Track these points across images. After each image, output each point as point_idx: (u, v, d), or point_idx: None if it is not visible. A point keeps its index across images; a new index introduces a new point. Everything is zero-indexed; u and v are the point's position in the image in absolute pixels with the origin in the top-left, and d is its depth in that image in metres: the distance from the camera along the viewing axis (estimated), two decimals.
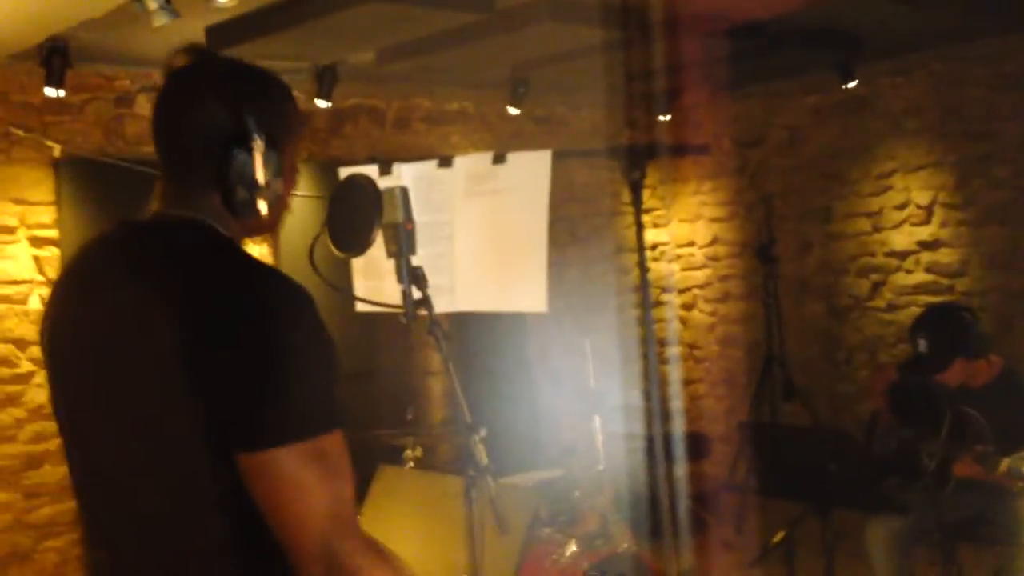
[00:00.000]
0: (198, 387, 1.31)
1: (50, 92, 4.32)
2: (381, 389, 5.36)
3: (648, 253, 6.97)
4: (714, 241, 6.63)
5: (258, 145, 1.44)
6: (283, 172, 1.51)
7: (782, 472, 3.39)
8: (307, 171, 5.14)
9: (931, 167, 5.52)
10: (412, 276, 1.94)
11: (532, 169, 2.11)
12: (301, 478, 1.31)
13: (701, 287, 6.72)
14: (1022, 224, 5.17)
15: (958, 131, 5.39)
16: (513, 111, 5.46)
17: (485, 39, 4.25)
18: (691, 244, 6.78)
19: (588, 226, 6.53)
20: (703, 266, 6.70)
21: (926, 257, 5.58)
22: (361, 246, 1.81)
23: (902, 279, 5.71)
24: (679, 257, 6.85)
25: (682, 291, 6.83)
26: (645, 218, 7.02)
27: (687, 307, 6.82)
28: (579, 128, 6.44)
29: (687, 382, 6.77)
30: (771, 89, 6.15)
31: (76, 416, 1.49)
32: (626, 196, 6.56)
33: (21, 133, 4.60)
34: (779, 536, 3.40)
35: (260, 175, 1.45)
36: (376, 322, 5.10)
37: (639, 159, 2.23)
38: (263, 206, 1.48)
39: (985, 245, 5.33)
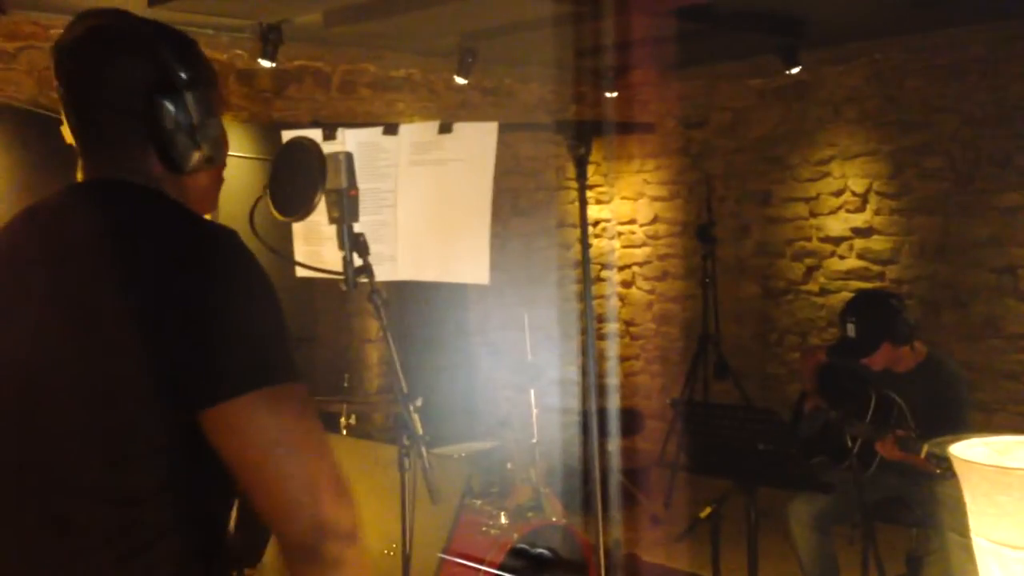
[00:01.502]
0: (152, 349, 1.26)
1: None
2: (318, 356, 5.33)
3: (590, 229, 7.01)
4: (655, 220, 6.69)
5: (184, 82, 1.39)
6: (214, 113, 1.45)
7: (711, 449, 3.45)
8: (249, 132, 5.06)
9: (868, 155, 5.64)
10: (353, 243, 1.93)
11: (478, 140, 2.11)
12: (273, 426, 1.27)
13: (640, 265, 6.78)
14: (953, 215, 5.31)
15: (895, 121, 5.50)
16: (460, 81, 5.42)
17: (434, 6, 4.21)
18: (632, 222, 6.83)
19: (531, 200, 6.54)
20: (643, 244, 6.77)
21: (859, 243, 5.71)
22: (303, 211, 1.79)
23: (835, 264, 5.83)
24: (620, 234, 6.91)
25: (622, 268, 6.89)
26: (588, 194, 7.05)
27: (626, 284, 6.88)
28: (526, 101, 6.42)
29: (623, 358, 6.85)
30: (717, 71, 6.21)
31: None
32: (570, 171, 6.58)
33: None
34: (706, 511, 3.46)
35: (195, 115, 1.40)
36: (315, 288, 5.06)
37: (585, 135, 2.24)
38: (206, 150, 1.43)
39: (916, 234, 5.47)
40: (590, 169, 7.00)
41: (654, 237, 6.70)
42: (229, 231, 1.37)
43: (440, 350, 5.44)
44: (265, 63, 4.79)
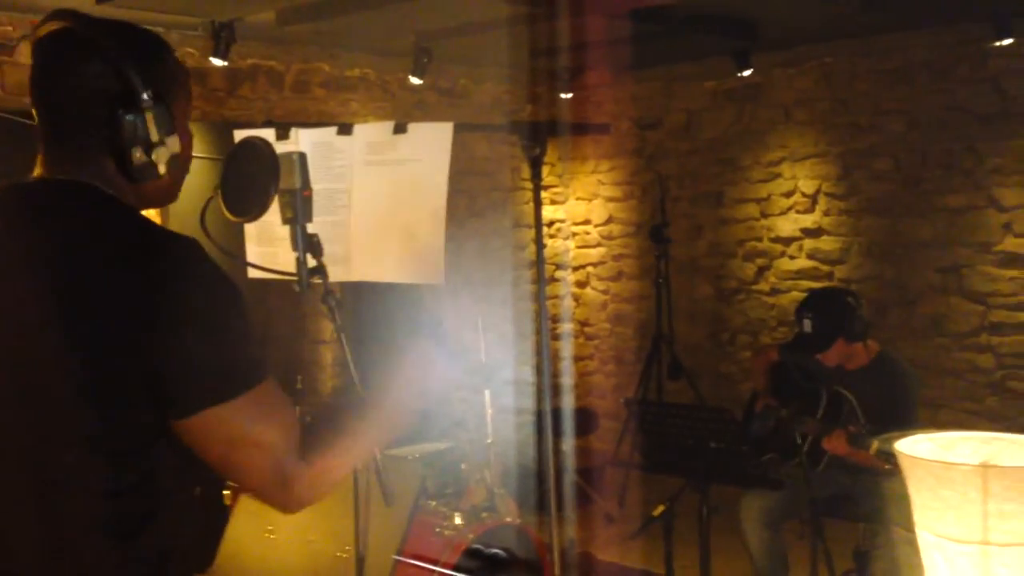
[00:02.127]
0: (116, 363, 1.29)
1: None
2: (271, 357, 5.28)
3: (545, 230, 7.01)
4: (609, 220, 6.74)
5: (147, 102, 1.41)
6: (176, 129, 1.47)
7: (664, 447, 3.48)
8: (201, 131, 5.00)
9: (817, 157, 5.73)
10: (307, 244, 1.91)
11: (433, 141, 2.11)
12: (245, 431, 1.36)
13: (595, 265, 6.82)
14: (900, 216, 5.41)
15: (844, 123, 5.60)
16: (415, 81, 5.41)
17: (389, 5, 4.20)
18: (587, 222, 6.87)
19: (486, 200, 6.54)
20: (598, 244, 6.81)
21: (809, 244, 5.80)
22: (256, 211, 1.77)
23: (785, 264, 5.91)
24: (575, 235, 6.94)
25: (576, 268, 6.92)
26: (543, 195, 7.07)
27: (581, 284, 6.92)
28: (481, 101, 6.43)
29: (577, 358, 6.88)
30: (671, 72, 6.27)
31: None
32: (525, 172, 6.59)
33: None
34: (659, 509, 3.49)
35: (154, 134, 1.42)
36: (268, 289, 5.01)
37: (540, 135, 2.25)
38: (162, 167, 1.44)
39: (864, 235, 5.57)
40: (545, 170, 7.02)
41: (608, 237, 6.74)
42: (190, 240, 1.38)
43: (394, 351, 5.42)
44: (217, 61, 4.74)
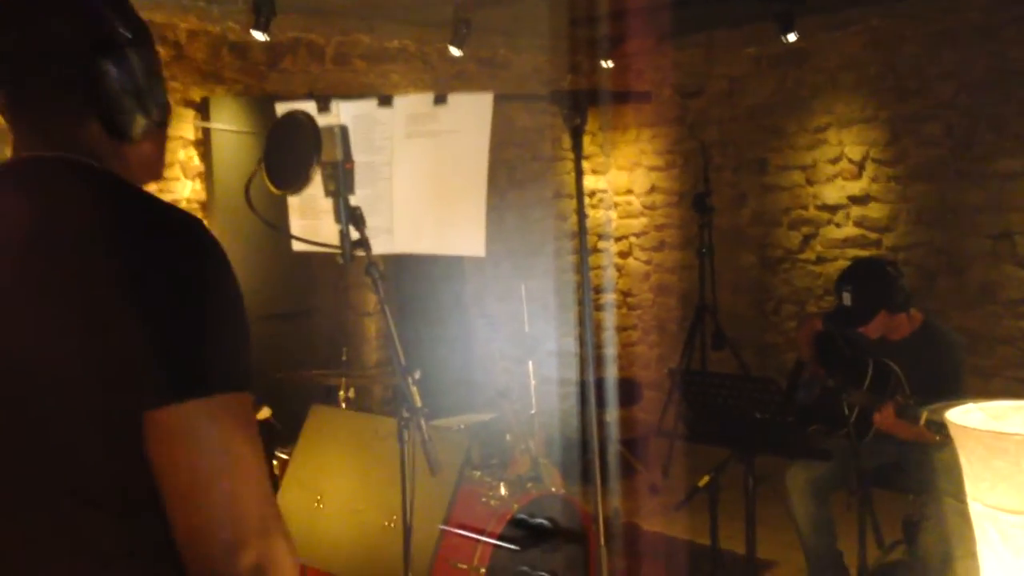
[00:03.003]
0: (103, 346, 1.14)
1: None
2: (316, 330, 5.33)
3: (586, 200, 6.99)
4: (652, 190, 6.68)
5: (128, 43, 1.25)
6: (157, 72, 1.31)
7: (709, 417, 3.46)
8: (243, 105, 5.03)
9: (864, 122, 5.62)
10: (350, 216, 1.92)
11: (473, 111, 2.10)
12: (216, 437, 1.16)
13: (637, 235, 6.78)
14: (949, 181, 5.30)
15: (892, 87, 5.48)
16: (455, 52, 5.39)
17: None
18: (629, 192, 6.82)
19: (527, 171, 6.52)
20: (640, 214, 6.76)
21: (856, 211, 5.70)
22: (299, 184, 1.78)
23: (832, 232, 5.83)
24: (617, 205, 6.89)
25: (618, 239, 6.89)
26: (584, 165, 7.03)
27: (623, 255, 6.88)
28: (521, 71, 6.39)
29: (620, 329, 6.86)
30: (713, 38, 6.17)
31: None
32: (566, 142, 6.55)
33: None
34: (704, 480, 3.48)
35: (139, 77, 1.25)
36: (312, 262, 5.06)
37: (580, 104, 2.22)
38: (154, 114, 1.29)
39: (913, 201, 5.46)
40: (586, 139, 6.97)
41: (651, 207, 6.69)
42: (193, 218, 1.23)
43: (437, 323, 5.45)
44: (258, 35, 4.75)
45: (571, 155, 6.90)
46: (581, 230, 2.32)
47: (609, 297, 6.88)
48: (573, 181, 6.63)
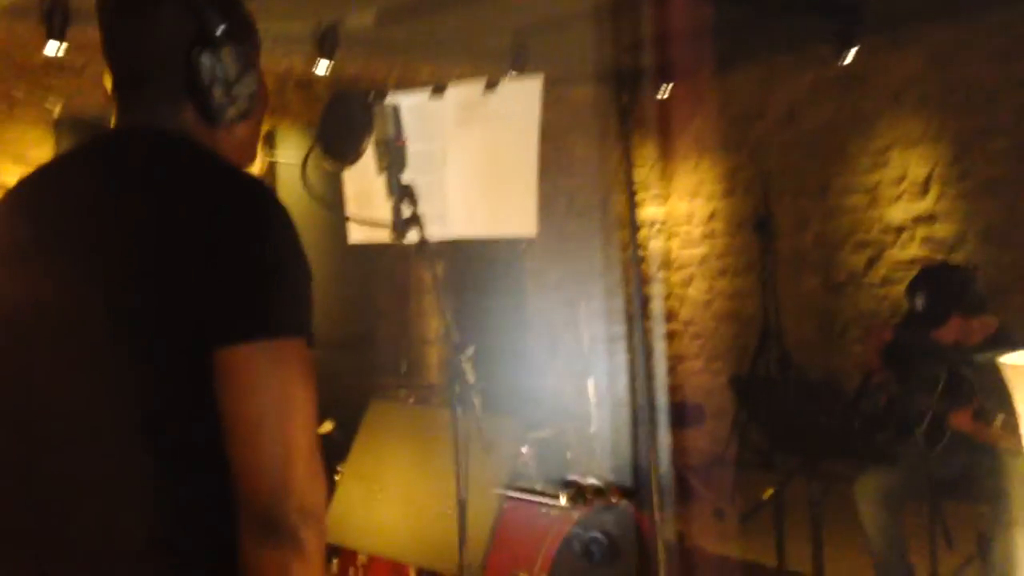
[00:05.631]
0: (180, 287, 1.25)
1: (52, 46, 4.32)
2: (376, 359, 5.38)
3: (646, 230, 6.99)
4: (712, 217, 6.65)
5: (223, 39, 1.38)
6: (252, 68, 1.44)
7: (773, 425, 3.41)
8: (309, 137, 5.17)
9: (928, 141, 5.54)
10: (402, 192, 1.96)
11: (523, 95, 2.14)
12: (278, 381, 1.24)
13: (699, 263, 6.74)
14: (1018, 197, 5.19)
15: (955, 104, 5.41)
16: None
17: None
18: (689, 220, 6.80)
19: (588, 201, 6.55)
20: (700, 242, 6.73)
21: (922, 231, 5.60)
22: (351, 157, 1.83)
23: (897, 254, 5.73)
24: (676, 234, 6.87)
25: (679, 268, 6.85)
26: (643, 195, 7.04)
27: (684, 283, 6.84)
28: (576, 103, 6.44)
29: (683, 357, 6.79)
30: (771, 63, 6.17)
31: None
32: (622, 173, 6.58)
33: (21, 94, 4.63)
34: (768, 492, 3.42)
35: (231, 71, 1.39)
36: (373, 284, 5.11)
37: (628, 84, 2.25)
38: (241, 105, 1.42)
39: (981, 218, 5.35)
40: (644, 170, 6.99)
41: (711, 235, 6.66)
42: (262, 182, 1.38)
43: (498, 341, 5.45)
44: (323, 64, 4.89)
45: (628, 185, 6.80)
46: (634, 259, 2.32)
47: (668, 326, 6.83)
48: (630, 211, 6.64)
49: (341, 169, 1.88)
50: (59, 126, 4.72)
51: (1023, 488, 3.28)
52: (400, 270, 5.72)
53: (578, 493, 3.55)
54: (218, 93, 1.39)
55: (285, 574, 1.22)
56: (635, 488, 4.40)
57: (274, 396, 1.24)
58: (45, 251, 1.35)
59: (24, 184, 1.45)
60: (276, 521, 1.21)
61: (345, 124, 1.83)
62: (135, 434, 1.27)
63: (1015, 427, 3.14)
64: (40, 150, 4.70)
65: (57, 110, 4.72)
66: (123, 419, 1.28)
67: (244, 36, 1.43)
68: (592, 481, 3.67)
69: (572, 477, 3.27)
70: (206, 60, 1.37)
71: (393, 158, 1.94)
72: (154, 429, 1.27)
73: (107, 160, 1.40)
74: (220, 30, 1.38)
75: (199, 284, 1.24)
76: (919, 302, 3.59)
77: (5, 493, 1.36)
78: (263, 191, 1.35)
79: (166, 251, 1.26)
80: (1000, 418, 3.22)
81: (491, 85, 2.18)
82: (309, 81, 5.25)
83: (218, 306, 1.24)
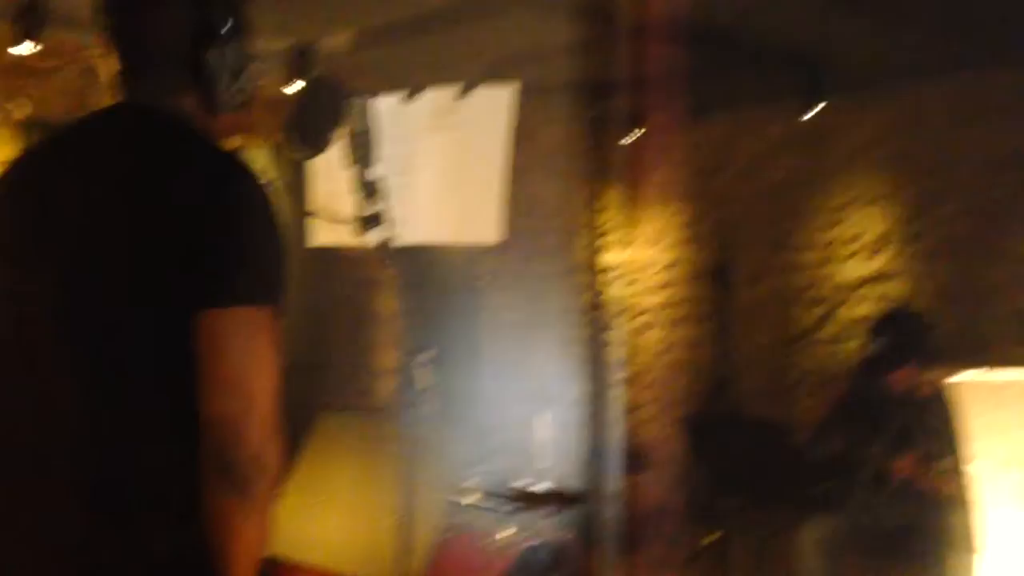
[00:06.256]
0: (168, 253, 1.36)
1: (24, 47, 4.26)
2: (328, 388, 5.32)
3: (604, 275, 7.03)
4: (671, 265, 6.70)
5: (229, 36, 1.49)
6: (244, 63, 1.57)
7: (720, 465, 3.41)
8: (274, 157, 5.14)
9: (885, 200, 5.65)
10: (369, 188, 1.95)
11: (494, 103, 2.15)
12: (252, 345, 1.37)
13: (655, 310, 6.77)
14: (972, 258, 5.29)
15: (913, 165, 5.53)
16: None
17: (464, 27, 4.31)
18: (648, 267, 6.84)
19: (547, 241, 6.57)
20: (658, 290, 6.76)
21: (876, 290, 5.69)
22: (321, 145, 1.83)
23: (848, 311, 5.80)
24: (635, 280, 6.91)
25: (638, 314, 6.88)
26: (603, 240, 7.08)
27: (640, 330, 6.86)
28: (545, 143, 6.49)
29: (634, 406, 6.78)
30: (735, 115, 6.27)
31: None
32: (584, 217, 6.63)
33: None
34: (711, 537, 3.41)
35: (234, 65, 1.51)
36: (330, 313, 5.05)
37: (598, 126, 2.27)
38: (240, 96, 1.55)
39: (933, 279, 5.44)
40: (606, 215, 7.03)
41: (669, 283, 6.70)
42: (247, 163, 1.48)
43: (452, 373, 5.42)
44: (297, 84, 4.87)
45: (590, 229, 6.82)
46: (595, 304, 2.31)
47: (623, 373, 6.82)
48: (590, 256, 6.67)
49: (309, 157, 1.87)
50: (24, 127, 4.65)
51: (965, 543, 3.29)
52: (361, 297, 5.68)
53: (524, 497, 3.51)
54: (222, 85, 1.51)
55: (232, 518, 1.33)
56: (582, 494, 4.36)
57: (242, 357, 1.36)
58: (38, 223, 1.45)
59: (21, 159, 1.56)
60: (230, 467, 1.33)
61: (318, 111, 1.84)
62: (114, 396, 1.38)
63: (957, 474, 3.18)
64: (2, 151, 4.63)
65: (21, 112, 4.66)
66: (103, 381, 1.39)
67: (246, 32, 1.55)
68: (539, 487, 3.64)
69: (517, 484, 3.24)
70: (212, 55, 1.48)
71: (361, 152, 1.94)
72: (132, 390, 1.38)
73: (103, 132, 1.51)
74: (226, 26, 1.49)
75: (183, 252, 1.36)
76: (879, 343, 3.65)
77: None
78: (248, 171, 1.45)
79: (153, 220, 1.37)
80: (942, 467, 3.25)
81: (462, 91, 2.20)
82: (279, 101, 5.24)
83: (199, 274, 1.36)
